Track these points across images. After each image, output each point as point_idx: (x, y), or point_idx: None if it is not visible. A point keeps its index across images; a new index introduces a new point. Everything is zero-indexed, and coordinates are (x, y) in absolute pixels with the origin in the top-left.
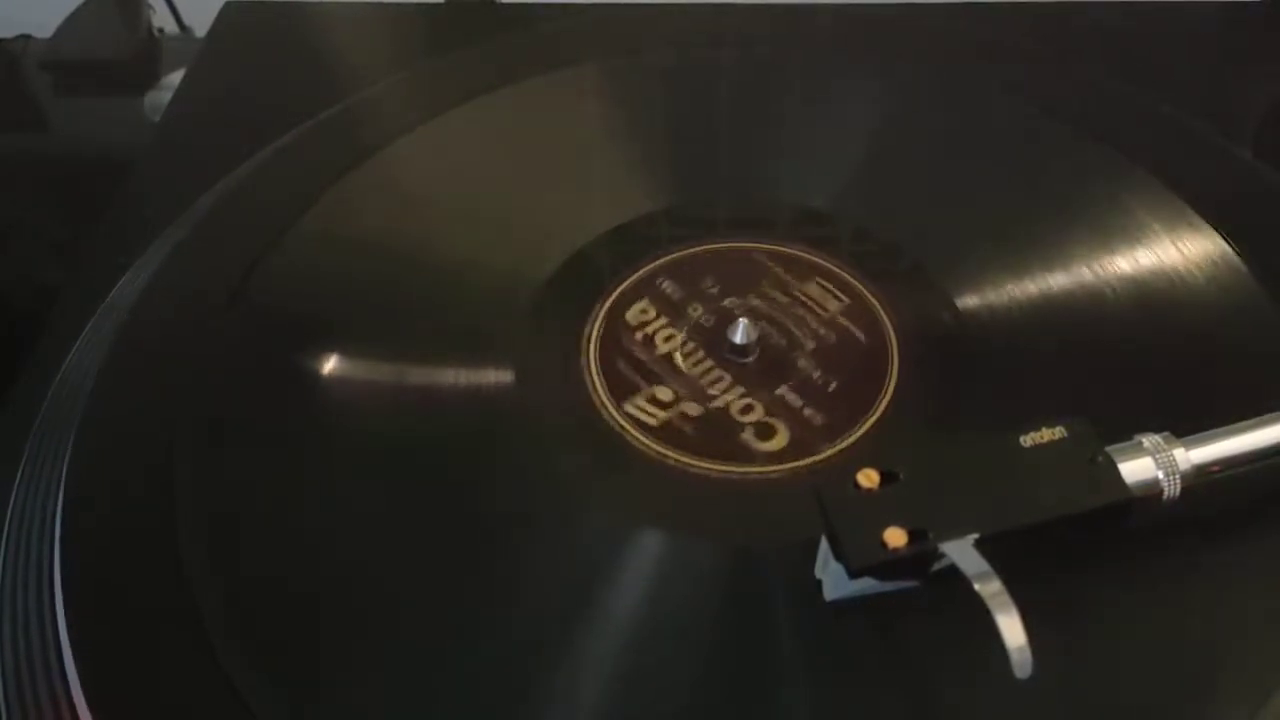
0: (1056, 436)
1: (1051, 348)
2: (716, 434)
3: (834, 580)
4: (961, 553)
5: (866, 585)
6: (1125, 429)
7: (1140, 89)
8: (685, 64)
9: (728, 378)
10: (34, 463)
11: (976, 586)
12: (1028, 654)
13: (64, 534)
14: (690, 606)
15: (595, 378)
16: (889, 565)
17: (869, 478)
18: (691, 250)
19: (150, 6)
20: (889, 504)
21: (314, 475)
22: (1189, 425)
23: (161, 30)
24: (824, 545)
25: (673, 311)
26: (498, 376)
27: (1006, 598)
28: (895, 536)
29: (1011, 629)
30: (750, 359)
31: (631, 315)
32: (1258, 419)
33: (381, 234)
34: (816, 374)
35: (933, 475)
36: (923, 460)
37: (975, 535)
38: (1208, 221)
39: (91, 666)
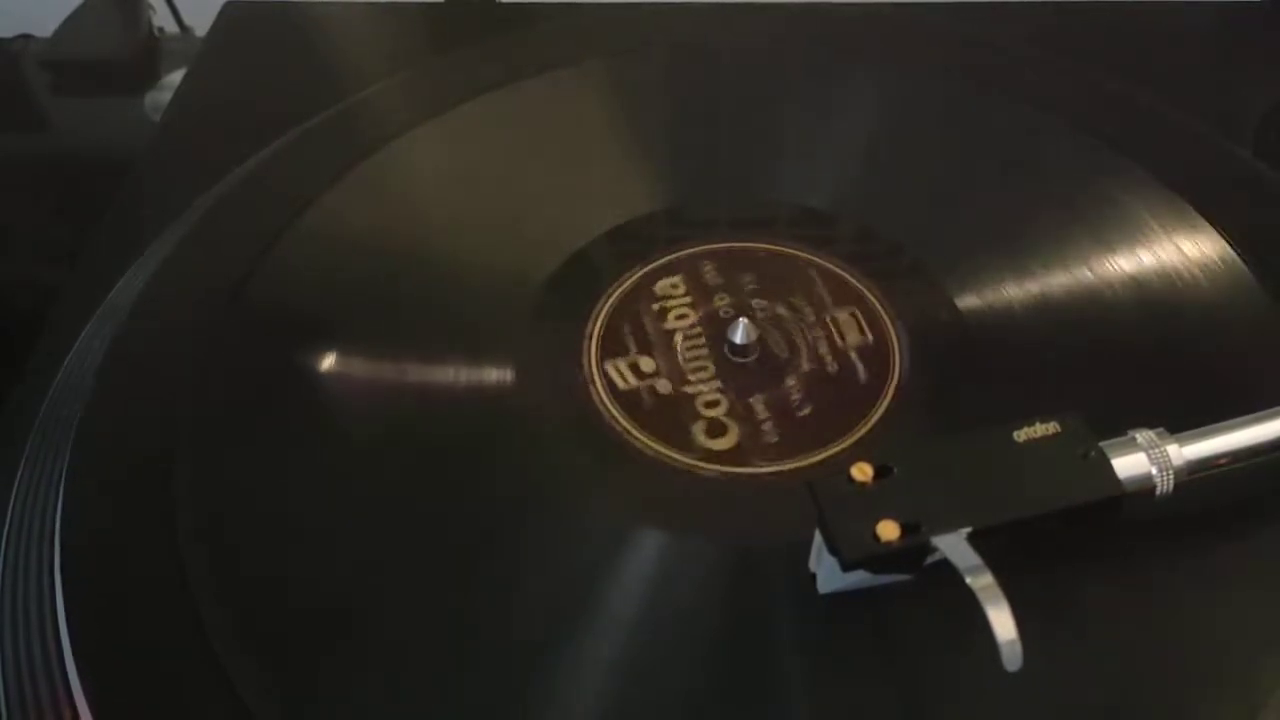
0: (1050, 432)
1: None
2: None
3: (827, 573)
4: (954, 547)
5: (860, 578)
6: (1125, 427)
7: (1140, 89)
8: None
9: (730, 378)
10: (34, 462)
11: (968, 580)
12: (1018, 647)
13: (64, 534)
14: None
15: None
16: (882, 559)
17: (863, 471)
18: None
19: (150, 6)
20: (882, 498)
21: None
22: (1187, 423)
23: (161, 30)
24: (818, 539)
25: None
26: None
27: (997, 591)
28: (888, 530)
29: (1002, 622)
30: (750, 359)
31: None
32: (1252, 416)
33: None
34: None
35: (926, 469)
36: (917, 454)
37: (968, 529)
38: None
39: (92, 666)
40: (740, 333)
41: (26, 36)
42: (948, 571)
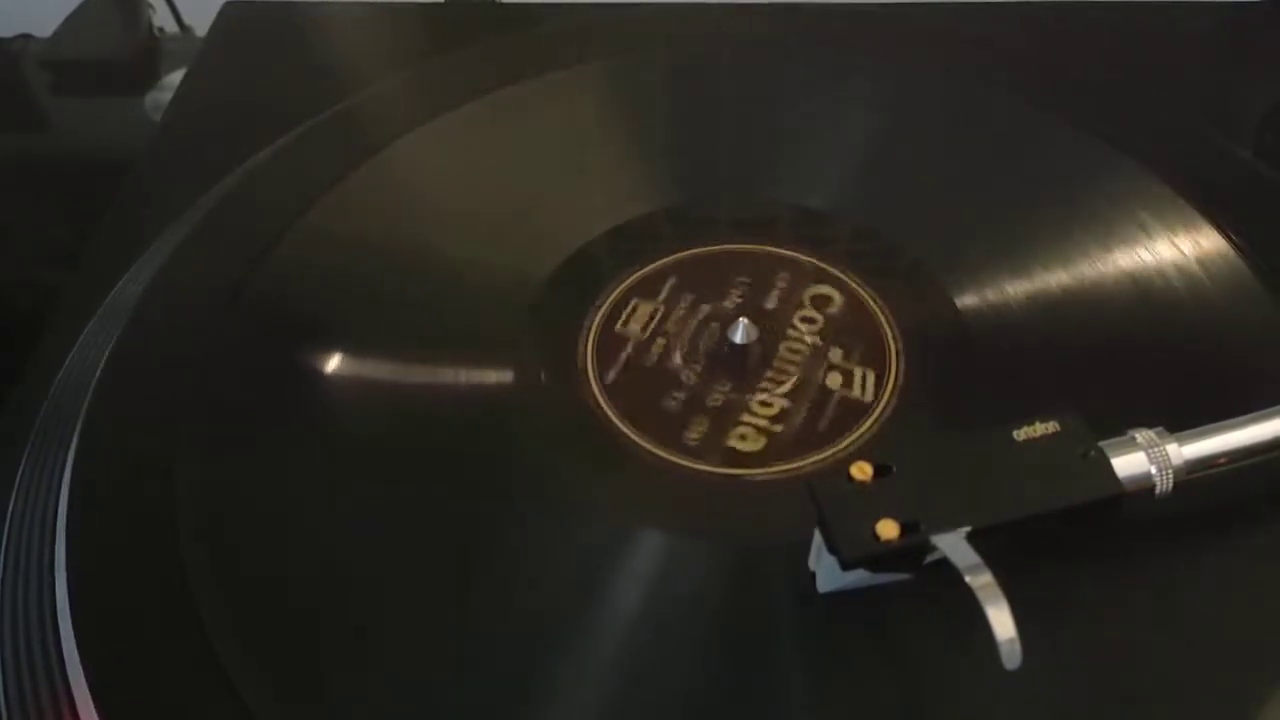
0: (1050, 431)
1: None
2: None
3: (827, 572)
4: (953, 546)
5: (859, 577)
6: (1125, 427)
7: (1140, 89)
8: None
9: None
10: (35, 463)
11: (967, 579)
12: (1017, 646)
13: (67, 534)
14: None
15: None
16: (881, 558)
17: (862, 470)
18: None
19: (150, 6)
20: (882, 497)
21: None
22: (1188, 423)
23: (161, 30)
24: (817, 538)
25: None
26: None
27: (997, 590)
28: (888, 529)
29: (1001, 621)
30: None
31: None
32: (1251, 415)
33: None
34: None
35: (926, 468)
36: (916, 454)
37: (967, 528)
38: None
39: (93, 666)
40: (740, 333)
41: (26, 36)
42: (947, 571)
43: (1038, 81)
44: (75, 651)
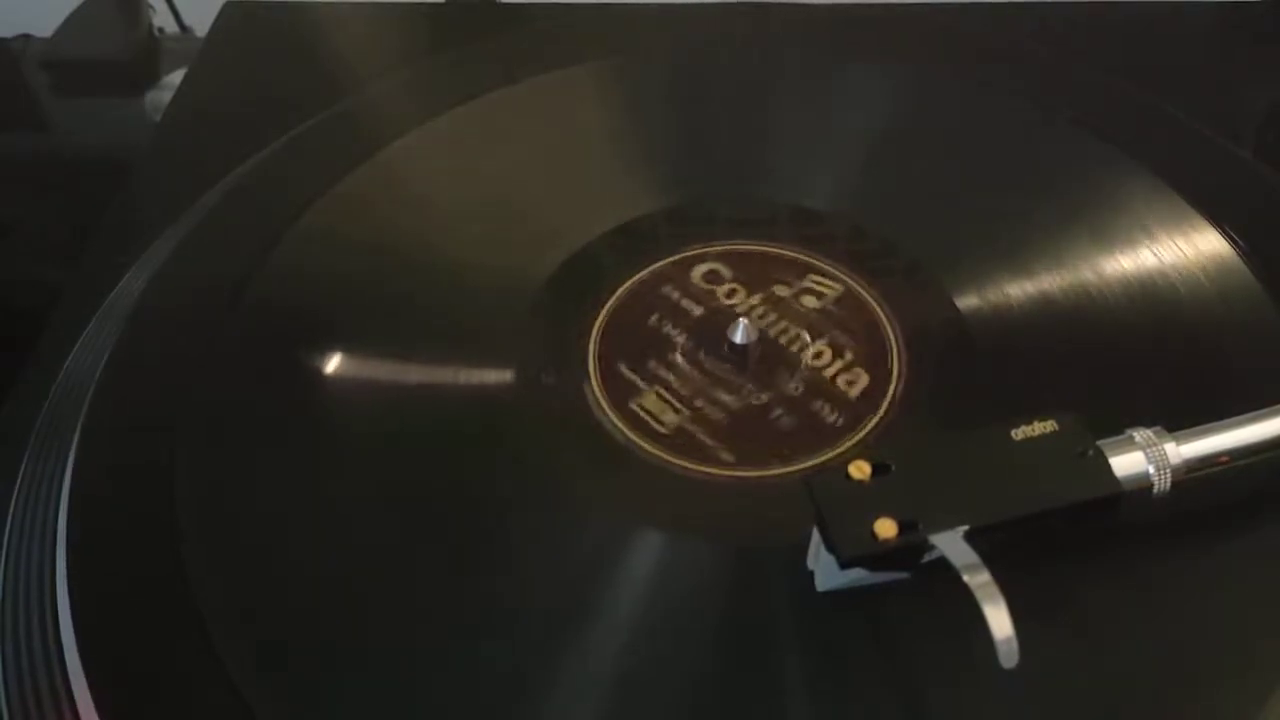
0: (1047, 430)
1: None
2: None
3: (825, 571)
4: (951, 544)
5: (857, 576)
6: (1124, 427)
7: (1140, 89)
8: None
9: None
10: (34, 463)
11: (965, 578)
12: (1014, 645)
13: (67, 535)
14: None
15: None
16: (879, 556)
17: (860, 469)
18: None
19: (150, 6)
20: (880, 495)
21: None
22: (1187, 423)
23: (161, 30)
24: (815, 536)
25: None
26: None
27: (994, 588)
28: (886, 528)
29: (998, 619)
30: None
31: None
32: (1250, 414)
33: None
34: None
35: (924, 467)
36: (914, 452)
37: (965, 527)
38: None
39: (93, 667)
40: (740, 333)
41: (26, 36)
42: (945, 570)
43: (1038, 81)
44: (75, 651)
